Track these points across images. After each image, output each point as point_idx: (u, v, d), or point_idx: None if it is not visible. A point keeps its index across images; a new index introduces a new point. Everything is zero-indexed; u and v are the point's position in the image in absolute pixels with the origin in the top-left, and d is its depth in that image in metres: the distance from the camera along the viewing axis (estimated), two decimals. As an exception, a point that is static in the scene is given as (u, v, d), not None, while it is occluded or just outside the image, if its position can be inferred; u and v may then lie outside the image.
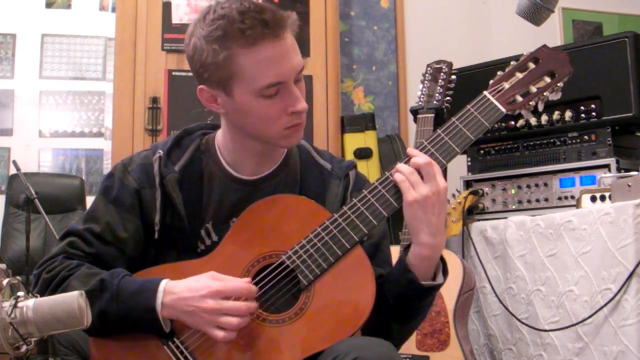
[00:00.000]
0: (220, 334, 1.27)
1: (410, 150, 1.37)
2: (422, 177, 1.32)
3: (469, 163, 2.76)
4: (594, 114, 2.41)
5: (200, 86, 1.41)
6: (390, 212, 1.35)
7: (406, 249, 1.36)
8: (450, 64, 2.50)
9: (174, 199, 1.42)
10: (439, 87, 2.46)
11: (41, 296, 1.24)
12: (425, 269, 1.34)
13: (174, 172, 1.44)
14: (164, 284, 1.31)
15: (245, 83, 1.34)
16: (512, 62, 1.45)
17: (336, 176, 1.50)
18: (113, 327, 1.31)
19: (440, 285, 1.37)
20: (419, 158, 1.33)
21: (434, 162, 1.33)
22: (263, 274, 1.34)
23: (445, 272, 1.38)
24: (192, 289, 1.29)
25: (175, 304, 1.29)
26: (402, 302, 1.37)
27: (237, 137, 1.46)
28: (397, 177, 1.33)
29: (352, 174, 1.52)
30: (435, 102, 2.44)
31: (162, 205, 1.43)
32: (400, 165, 1.34)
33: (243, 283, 1.30)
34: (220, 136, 1.51)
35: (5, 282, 1.09)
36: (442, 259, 1.38)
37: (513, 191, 2.60)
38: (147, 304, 1.29)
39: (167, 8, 3.07)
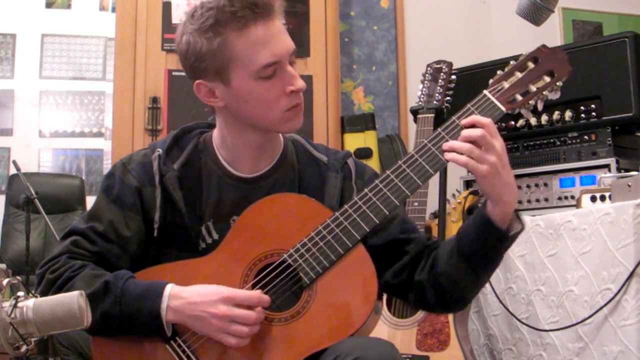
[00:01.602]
0: (232, 340, 1.27)
1: (466, 119, 1.32)
2: (480, 147, 1.29)
3: (469, 163, 2.75)
4: (594, 114, 2.41)
5: (197, 81, 1.41)
6: (392, 210, 1.35)
7: (482, 207, 1.35)
8: (450, 64, 2.50)
9: (174, 197, 1.43)
10: (439, 87, 2.46)
11: (45, 296, 1.25)
12: (507, 222, 1.34)
13: (173, 170, 1.44)
14: (170, 288, 1.31)
15: (242, 67, 1.35)
16: (511, 62, 1.45)
17: (333, 168, 1.50)
18: (116, 329, 1.31)
19: (522, 230, 1.37)
20: (473, 131, 1.29)
21: (487, 130, 1.28)
22: (264, 273, 1.35)
23: (518, 218, 1.37)
24: (202, 294, 1.29)
25: (183, 308, 1.29)
26: (491, 257, 1.37)
27: (236, 131, 1.46)
28: (460, 159, 1.29)
29: (350, 163, 1.52)
30: (435, 102, 2.44)
31: (163, 204, 1.43)
32: (457, 145, 1.29)
33: (254, 292, 1.30)
34: (216, 135, 1.51)
35: (5, 282, 1.09)
36: None
37: (513, 191, 2.60)
38: (151, 308, 1.29)
39: (167, 8, 3.07)
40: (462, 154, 1.29)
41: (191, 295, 1.29)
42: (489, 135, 1.29)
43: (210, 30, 1.34)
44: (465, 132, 1.30)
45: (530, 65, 1.44)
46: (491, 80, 1.43)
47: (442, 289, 1.41)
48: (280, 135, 1.53)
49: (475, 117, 1.32)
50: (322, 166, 1.51)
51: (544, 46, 1.45)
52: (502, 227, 1.33)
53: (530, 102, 1.41)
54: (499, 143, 1.30)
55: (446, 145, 1.32)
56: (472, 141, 1.29)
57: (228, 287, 1.30)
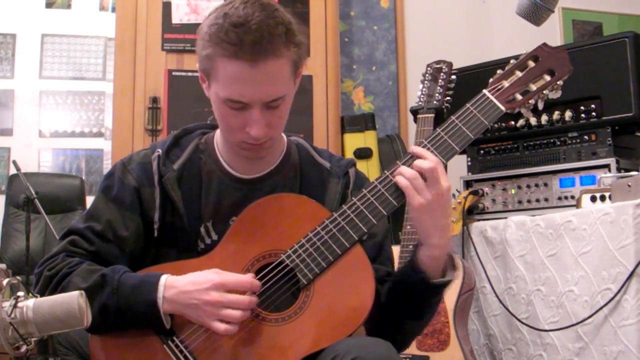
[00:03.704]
0: (222, 326, 1.27)
1: (414, 148, 1.36)
2: (425, 180, 1.32)
3: (469, 163, 2.76)
4: (594, 114, 2.41)
5: (198, 64, 1.42)
6: (390, 211, 1.35)
7: (415, 248, 1.37)
8: (450, 64, 2.50)
9: (173, 197, 1.43)
10: (439, 87, 2.46)
11: (43, 294, 1.25)
12: (435, 268, 1.35)
13: (172, 171, 1.45)
14: (165, 278, 1.31)
15: (217, 85, 1.36)
16: (511, 61, 1.45)
17: (335, 175, 1.50)
18: (114, 322, 1.31)
19: (450, 282, 1.37)
20: (423, 162, 1.32)
21: (437, 166, 1.32)
22: (262, 273, 1.35)
23: (453, 268, 1.39)
24: (195, 283, 1.29)
25: (177, 297, 1.29)
26: (415, 300, 1.38)
27: None
28: (401, 182, 1.33)
29: (351, 172, 1.52)
30: (435, 102, 2.44)
31: (162, 204, 1.43)
32: (404, 170, 1.34)
33: (246, 277, 1.31)
34: (219, 135, 1.51)
35: (5, 282, 1.09)
36: (449, 254, 1.39)
37: (513, 191, 2.60)
38: (148, 298, 1.29)
39: (167, 8, 3.07)
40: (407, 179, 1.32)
41: (184, 284, 1.30)
42: (436, 172, 1.31)
43: (206, 38, 1.35)
44: (416, 162, 1.33)
45: (531, 64, 1.43)
46: (491, 80, 1.43)
47: (373, 325, 1.40)
48: (284, 137, 1.53)
49: (425, 152, 1.34)
50: (325, 172, 1.51)
51: (544, 45, 1.45)
52: (427, 270, 1.33)
53: (530, 101, 1.41)
54: (445, 184, 1.31)
55: (399, 169, 1.34)
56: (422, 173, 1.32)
57: (221, 272, 1.30)
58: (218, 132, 1.52)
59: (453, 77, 2.46)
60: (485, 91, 1.41)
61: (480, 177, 2.69)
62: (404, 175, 1.33)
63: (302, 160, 1.53)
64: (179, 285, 1.30)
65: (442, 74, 2.48)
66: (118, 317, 1.30)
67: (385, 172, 1.36)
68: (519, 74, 1.42)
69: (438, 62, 2.52)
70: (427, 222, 1.32)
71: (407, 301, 1.38)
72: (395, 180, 1.34)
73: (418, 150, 1.35)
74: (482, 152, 2.71)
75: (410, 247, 2.23)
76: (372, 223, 1.34)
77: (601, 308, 1.96)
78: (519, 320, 2.32)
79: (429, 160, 1.32)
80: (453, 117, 1.38)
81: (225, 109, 1.36)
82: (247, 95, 1.33)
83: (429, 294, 1.37)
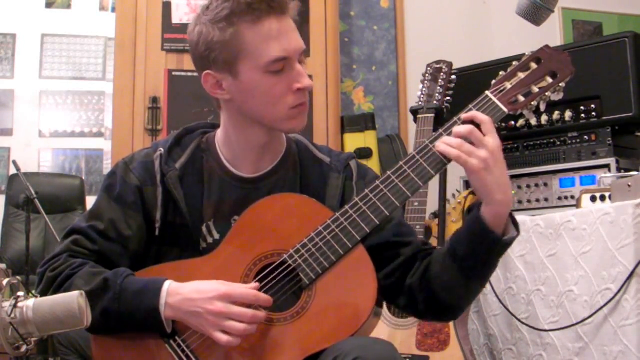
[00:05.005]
0: (224, 337, 1.27)
1: (456, 129, 1.33)
2: (472, 144, 1.30)
3: (469, 163, 2.75)
4: (594, 114, 2.41)
5: (205, 72, 1.41)
6: (392, 211, 1.35)
7: (474, 209, 1.35)
8: (450, 64, 2.50)
9: (175, 196, 1.43)
10: (439, 87, 2.46)
11: (45, 295, 1.25)
12: (499, 225, 1.33)
13: (174, 170, 1.45)
14: (168, 285, 1.31)
15: (252, 60, 1.36)
16: (514, 62, 1.45)
17: (336, 169, 1.50)
18: (115, 326, 1.31)
19: (516, 237, 1.36)
20: (460, 128, 1.31)
21: (483, 124, 1.30)
22: (265, 273, 1.35)
23: (515, 224, 1.36)
24: (200, 291, 1.29)
25: (180, 305, 1.29)
26: (483, 262, 1.35)
27: (240, 128, 1.46)
28: (451, 152, 1.30)
29: (352, 164, 1.52)
30: (435, 102, 2.44)
31: (164, 203, 1.43)
32: (448, 139, 1.31)
33: (252, 290, 1.30)
34: (220, 134, 1.51)
35: (5, 282, 1.09)
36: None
37: (513, 191, 2.60)
38: (150, 305, 1.29)
39: (167, 8, 3.07)
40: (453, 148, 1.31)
41: (189, 291, 1.30)
42: (478, 132, 1.30)
43: (224, 21, 1.35)
44: (455, 129, 1.32)
45: (533, 65, 1.43)
46: (493, 81, 1.43)
47: (432, 294, 1.40)
48: (284, 135, 1.53)
49: (474, 113, 1.33)
50: (325, 167, 1.51)
51: (547, 47, 1.45)
52: (495, 229, 1.32)
53: (532, 103, 1.41)
54: (493, 140, 1.30)
55: (440, 140, 1.33)
56: (465, 137, 1.30)
57: (226, 284, 1.30)
58: (219, 131, 1.52)
59: (453, 77, 2.46)
60: (487, 92, 1.40)
61: (481, 177, 2.68)
62: (450, 145, 1.31)
63: (302, 157, 1.53)
64: (183, 292, 1.30)
65: (442, 74, 2.48)
66: (119, 322, 1.31)
67: (388, 172, 1.36)
68: (521, 75, 1.42)
69: (438, 62, 2.52)
70: (488, 181, 1.29)
71: (473, 263, 1.35)
72: (439, 151, 1.32)
73: (468, 115, 1.33)
74: (482, 152, 2.71)
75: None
76: (375, 223, 1.34)
77: (601, 308, 1.96)
78: (519, 320, 2.32)
79: (477, 122, 1.31)
80: (456, 118, 1.38)
81: (267, 80, 1.37)
82: (288, 47, 1.36)
83: (499, 252, 1.35)
